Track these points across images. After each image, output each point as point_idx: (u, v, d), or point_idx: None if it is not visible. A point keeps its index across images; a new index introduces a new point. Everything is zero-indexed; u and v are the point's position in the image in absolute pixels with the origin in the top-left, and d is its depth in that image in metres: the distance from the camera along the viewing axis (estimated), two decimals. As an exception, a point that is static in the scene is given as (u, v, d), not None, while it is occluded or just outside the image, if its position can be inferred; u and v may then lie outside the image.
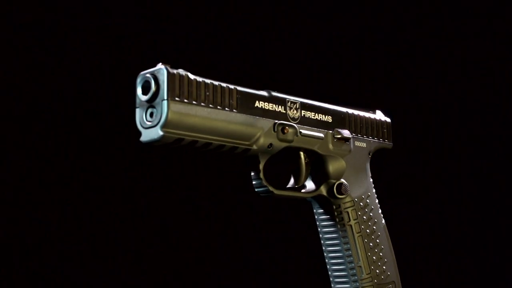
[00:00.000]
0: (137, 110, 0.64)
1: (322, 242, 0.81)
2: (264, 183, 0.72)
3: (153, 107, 0.63)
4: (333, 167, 0.79)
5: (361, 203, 0.80)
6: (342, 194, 0.78)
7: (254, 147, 0.70)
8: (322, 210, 0.80)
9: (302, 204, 0.84)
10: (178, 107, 0.63)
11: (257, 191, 0.73)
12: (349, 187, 0.79)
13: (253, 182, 0.73)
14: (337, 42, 1.23)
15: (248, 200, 1.11)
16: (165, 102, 0.62)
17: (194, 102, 0.64)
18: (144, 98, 0.63)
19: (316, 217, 0.81)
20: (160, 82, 0.62)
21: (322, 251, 0.81)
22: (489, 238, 1.21)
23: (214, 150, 0.68)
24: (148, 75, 0.63)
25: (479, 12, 1.23)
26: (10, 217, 1.03)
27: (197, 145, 0.65)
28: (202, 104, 0.65)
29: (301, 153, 0.77)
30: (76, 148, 1.08)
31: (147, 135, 0.63)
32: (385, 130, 0.87)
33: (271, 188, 0.73)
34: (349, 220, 0.79)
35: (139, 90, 0.63)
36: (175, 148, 0.66)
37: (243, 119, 0.68)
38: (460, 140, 1.24)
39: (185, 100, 0.63)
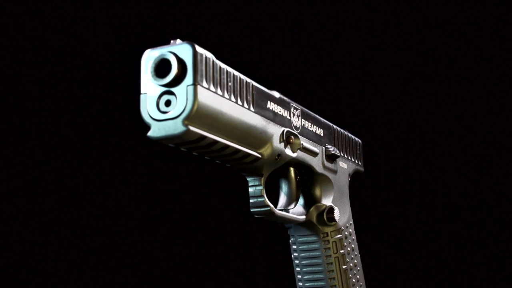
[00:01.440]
0: (144, 97, 0.49)
1: (299, 277, 0.69)
2: (266, 202, 0.59)
3: (171, 93, 0.48)
4: (323, 188, 0.68)
5: (346, 232, 0.70)
6: (333, 220, 0.67)
7: (264, 156, 0.57)
8: (305, 239, 0.68)
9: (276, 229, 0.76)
10: (206, 96, 0.49)
11: (254, 211, 0.60)
12: (339, 213, 0.68)
13: (251, 201, 0.60)
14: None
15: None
16: (191, 89, 0.48)
17: (219, 92, 0.50)
18: (161, 82, 0.48)
19: (294, 247, 0.69)
20: (187, 62, 0.48)
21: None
22: (460, 260, 1.18)
23: (226, 156, 0.54)
24: (165, 52, 0.48)
25: (445, 38, 1.20)
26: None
27: (214, 148, 0.52)
28: (226, 96, 0.51)
29: (291, 169, 0.66)
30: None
31: (160, 129, 0.48)
32: (358, 152, 0.78)
33: (272, 209, 0.60)
34: (336, 251, 0.68)
35: (150, 71, 0.49)
36: (179, 149, 0.52)
37: (259, 121, 0.56)
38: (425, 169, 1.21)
39: (212, 89, 0.49)
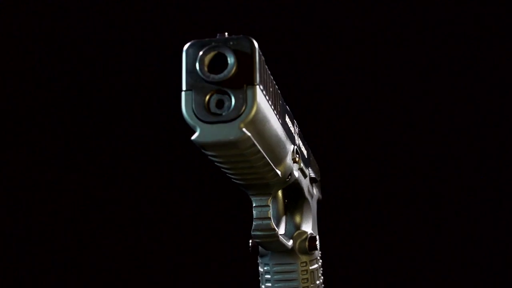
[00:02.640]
0: (189, 95, 0.42)
1: None
2: (272, 225, 0.53)
3: (224, 93, 0.42)
4: (304, 214, 0.63)
5: (320, 262, 0.65)
6: (314, 249, 0.61)
7: (281, 174, 0.51)
8: (282, 268, 0.62)
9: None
10: (261, 99, 0.42)
11: (256, 234, 0.54)
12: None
13: (255, 223, 0.53)
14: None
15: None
16: (251, 89, 0.41)
17: (267, 97, 0.44)
18: (214, 79, 0.41)
19: (268, 276, 0.62)
20: (247, 59, 0.42)
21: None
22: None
23: (253, 169, 0.48)
24: (221, 45, 0.42)
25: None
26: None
27: (252, 158, 0.46)
28: (269, 102, 0.45)
29: (280, 190, 0.61)
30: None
31: (211, 133, 0.42)
32: (319, 179, 0.73)
33: (277, 233, 0.54)
34: (313, 282, 0.62)
35: (199, 66, 0.41)
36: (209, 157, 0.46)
37: (283, 134, 0.50)
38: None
39: (264, 92, 0.43)
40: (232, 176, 0.50)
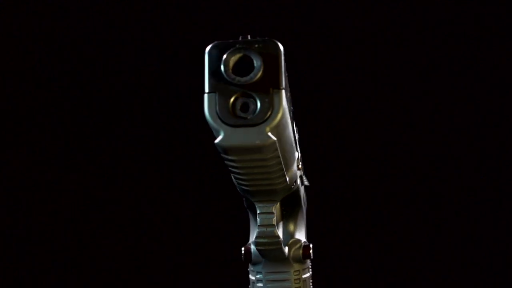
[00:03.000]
0: (212, 98, 0.41)
1: None
2: (277, 232, 0.52)
3: (249, 96, 0.41)
4: (298, 222, 0.61)
5: (310, 271, 0.64)
6: (308, 258, 0.60)
7: (288, 181, 0.50)
8: (275, 276, 0.61)
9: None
10: (285, 104, 0.41)
11: (259, 241, 0.53)
12: None
13: (259, 230, 0.52)
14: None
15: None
16: (277, 93, 0.40)
17: (287, 100, 0.44)
18: (240, 81, 0.40)
19: (260, 285, 0.61)
20: (274, 62, 0.41)
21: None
22: None
23: (266, 175, 0.47)
24: (247, 47, 0.41)
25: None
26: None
27: (269, 164, 0.45)
28: (288, 105, 0.44)
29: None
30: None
31: (236, 137, 0.41)
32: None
33: (281, 241, 0.53)
34: None
35: (225, 68, 0.40)
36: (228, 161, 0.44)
37: (292, 139, 0.49)
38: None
39: (287, 96, 0.43)
40: (243, 182, 0.49)
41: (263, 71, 0.40)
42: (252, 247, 0.60)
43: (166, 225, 1.11)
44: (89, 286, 1.07)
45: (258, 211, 0.52)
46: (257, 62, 0.40)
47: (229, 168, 0.46)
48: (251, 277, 0.62)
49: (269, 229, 0.52)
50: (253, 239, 0.59)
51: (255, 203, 0.52)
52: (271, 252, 0.54)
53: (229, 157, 0.43)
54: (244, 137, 0.40)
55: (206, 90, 0.41)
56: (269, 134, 0.41)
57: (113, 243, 1.08)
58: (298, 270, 0.60)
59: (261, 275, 0.61)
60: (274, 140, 0.41)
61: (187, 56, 1.15)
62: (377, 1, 1.19)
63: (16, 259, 1.04)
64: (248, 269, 0.64)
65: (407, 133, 1.18)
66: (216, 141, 0.41)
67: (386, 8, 1.19)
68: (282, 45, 0.44)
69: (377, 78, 1.20)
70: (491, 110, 1.19)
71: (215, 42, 0.42)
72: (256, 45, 0.41)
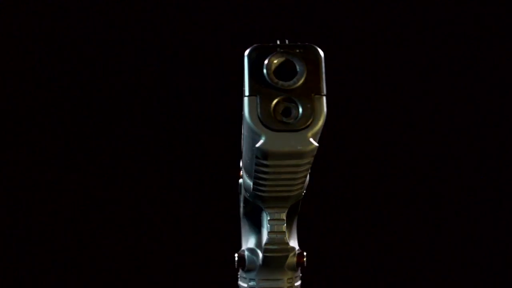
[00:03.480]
0: (252, 100, 0.41)
1: None
2: (286, 239, 0.52)
3: (291, 101, 0.40)
4: (294, 230, 0.61)
5: (300, 280, 0.64)
6: (302, 265, 0.59)
7: (303, 189, 0.51)
8: (268, 284, 0.61)
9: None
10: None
11: (269, 248, 0.53)
12: None
13: (270, 236, 0.52)
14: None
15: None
16: (319, 99, 0.40)
17: None
18: (283, 86, 0.40)
19: None
20: (316, 68, 0.41)
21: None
22: None
23: (290, 181, 0.47)
24: (290, 52, 0.41)
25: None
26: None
27: (300, 170, 0.45)
28: None
29: None
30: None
31: (280, 142, 0.41)
32: None
33: (290, 247, 0.54)
34: None
35: (268, 72, 0.40)
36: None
37: None
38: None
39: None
40: (265, 188, 0.48)
41: (306, 77, 0.40)
42: (247, 253, 0.60)
43: (165, 225, 1.11)
44: (89, 286, 1.07)
45: (268, 218, 0.52)
46: (300, 67, 0.40)
47: (257, 172, 0.46)
48: (243, 284, 0.62)
49: (279, 235, 0.51)
50: (248, 245, 0.61)
51: (266, 209, 0.52)
52: (278, 259, 0.54)
53: (266, 162, 0.43)
54: (286, 142, 0.40)
55: (246, 93, 0.41)
56: (311, 140, 0.40)
57: (113, 243, 1.08)
58: (291, 278, 0.60)
59: (254, 282, 0.61)
60: (316, 146, 0.41)
61: (187, 56, 1.15)
62: (377, 1, 1.20)
63: (16, 259, 1.04)
64: (239, 276, 0.64)
65: (407, 133, 1.18)
66: (258, 145, 0.41)
67: (386, 8, 1.19)
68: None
69: (377, 78, 1.20)
70: (491, 110, 1.19)
71: (255, 44, 0.41)
72: (297, 50, 0.41)
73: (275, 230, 0.51)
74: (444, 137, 1.19)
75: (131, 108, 1.13)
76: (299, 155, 0.41)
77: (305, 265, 0.60)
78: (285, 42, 0.42)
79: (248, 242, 0.62)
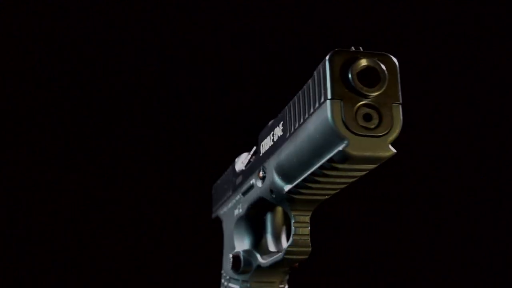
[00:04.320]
0: (336, 104, 0.42)
1: None
2: (309, 242, 0.53)
3: (371, 107, 0.42)
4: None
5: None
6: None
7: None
8: (259, 285, 0.62)
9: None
10: None
11: (292, 250, 0.54)
12: None
13: (294, 238, 0.53)
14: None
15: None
16: (397, 108, 0.43)
17: None
18: (370, 90, 0.42)
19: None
20: (394, 77, 0.43)
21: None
22: None
23: (340, 185, 0.50)
24: (373, 60, 0.42)
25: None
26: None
27: (363, 174, 0.47)
28: None
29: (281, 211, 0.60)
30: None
31: (364, 147, 0.42)
32: None
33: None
34: None
35: (353, 77, 0.42)
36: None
37: None
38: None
39: None
40: (311, 191, 0.50)
41: (387, 84, 0.42)
42: (242, 255, 0.61)
43: (166, 225, 1.11)
44: (89, 285, 1.07)
45: (293, 220, 0.53)
46: (383, 75, 0.42)
47: (315, 175, 0.47)
48: (234, 286, 0.63)
49: (303, 238, 0.53)
50: (244, 247, 0.61)
51: (292, 212, 0.53)
52: (295, 261, 0.55)
53: (341, 165, 0.44)
54: (369, 147, 0.42)
55: (329, 96, 0.42)
56: (390, 146, 0.43)
57: (113, 243, 1.09)
58: (282, 281, 0.62)
59: (247, 284, 0.62)
60: (394, 152, 0.43)
61: (187, 57, 1.15)
62: (377, 1, 1.20)
63: (16, 259, 1.04)
64: (227, 278, 0.65)
65: (407, 133, 1.18)
66: (341, 148, 0.42)
67: (386, 8, 1.19)
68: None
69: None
70: (491, 110, 1.19)
71: (337, 49, 0.43)
72: (376, 58, 0.43)
73: (300, 233, 0.53)
74: (444, 137, 1.19)
75: (131, 108, 1.13)
76: (377, 160, 0.43)
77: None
78: (360, 48, 0.43)
79: (244, 244, 0.63)
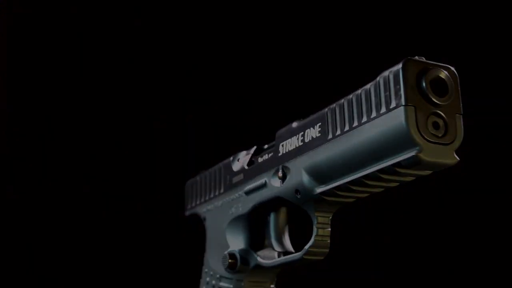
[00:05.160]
0: (410, 110, 0.44)
1: None
2: (328, 243, 0.55)
3: (438, 116, 0.45)
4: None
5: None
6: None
7: None
8: (254, 285, 0.63)
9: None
10: None
11: (312, 251, 0.55)
12: None
13: (315, 239, 0.55)
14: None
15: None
16: (460, 118, 0.46)
17: None
18: (441, 100, 0.45)
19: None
20: (457, 88, 0.46)
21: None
22: None
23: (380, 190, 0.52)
24: (441, 70, 0.45)
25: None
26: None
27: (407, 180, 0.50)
28: None
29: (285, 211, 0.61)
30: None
31: (434, 153, 0.44)
32: None
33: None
34: None
35: (427, 86, 0.44)
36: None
37: None
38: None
39: None
40: (351, 194, 0.52)
41: (451, 95, 0.44)
42: (239, 254, 0.62)
43: (165, 225, 1.11)
44: (89, 285, 1.07)
45: (315, 221, 0.54)
46: (451, 87, 0.45)
47: (367, 178, 0.48)
48: (227, 285, 0.63)
49: (324, 239, 0.55)
50: (240, 247, 0.62)
51: (316, 213, 0.54)
52: (312, 262, 0.56)
53: (408, 171, 0.47)
54: (439, 154, 0.44)
55: (403, 102, 0.44)
56: (455, 154, 0.45)
57: (113, 243, 1.09)
58: (272, 282, 0.63)
59: (242, 283, 0.62)
60: (458, 160, 0.45)
61: (187, 57, 1.15)
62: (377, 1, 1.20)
63: (16, 259, 1.04)
64: (218, 276, 0.65)
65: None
66: (414, 153, 0.44)
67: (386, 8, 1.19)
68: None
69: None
70: (491, 110, 1.19)
71: (409, 58, 0.46)
72: (446, 69, 0.45)
73: (321, 234, 0.54)
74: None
75: (130, 108, 1.13)
76: (442, 167, 0.45)
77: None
78: (423, 59, 0.46)
79: (239, 243, 0.63)
